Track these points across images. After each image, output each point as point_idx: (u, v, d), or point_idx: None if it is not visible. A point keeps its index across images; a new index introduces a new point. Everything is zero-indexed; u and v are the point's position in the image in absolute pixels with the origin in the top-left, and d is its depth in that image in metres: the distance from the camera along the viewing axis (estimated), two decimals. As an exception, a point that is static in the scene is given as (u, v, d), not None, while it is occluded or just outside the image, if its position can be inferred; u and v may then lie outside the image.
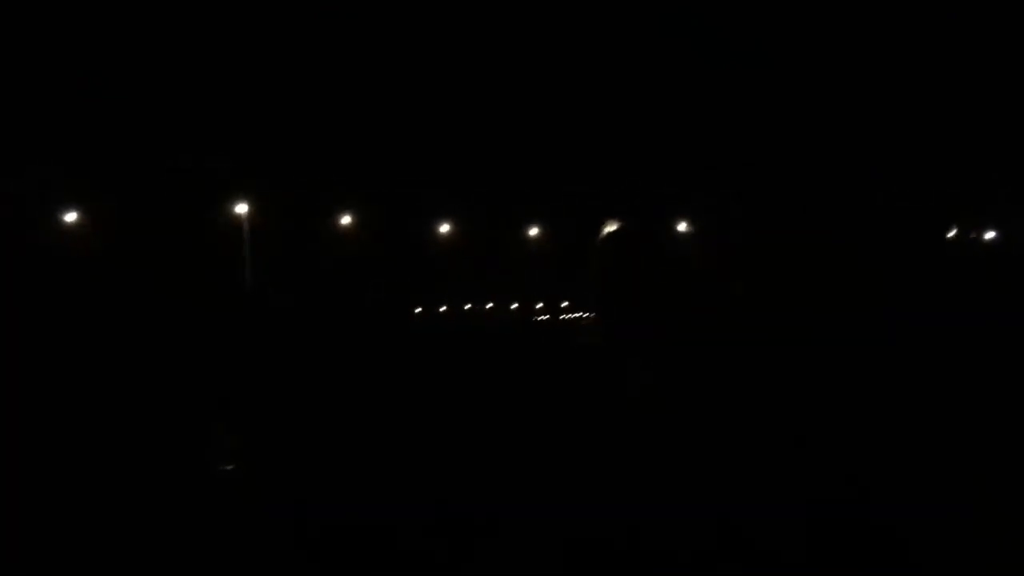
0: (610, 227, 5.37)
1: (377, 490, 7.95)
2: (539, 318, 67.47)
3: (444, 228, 50.06)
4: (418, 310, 60.84)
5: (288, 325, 35.27)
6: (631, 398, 5.67)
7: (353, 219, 46.42)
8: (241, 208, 39.06)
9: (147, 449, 10.23)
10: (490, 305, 70.77)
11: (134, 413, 13.30)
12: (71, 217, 39.50)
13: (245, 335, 30.74)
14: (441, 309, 66.11)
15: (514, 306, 71.99)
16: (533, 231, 54.10)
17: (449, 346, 30.13)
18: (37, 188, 38.12)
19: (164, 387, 16.78)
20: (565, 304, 72.63)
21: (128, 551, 6.28)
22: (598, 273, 5.61)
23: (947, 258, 47.00)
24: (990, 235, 51.77)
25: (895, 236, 41.73)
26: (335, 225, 46.28)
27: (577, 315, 61.11)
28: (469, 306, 69.49)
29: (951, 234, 51.63)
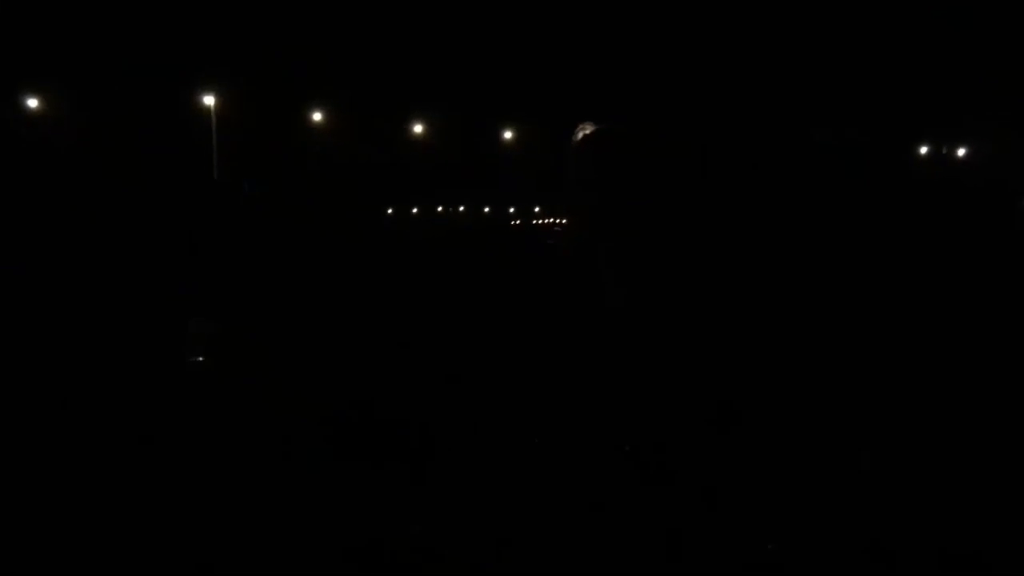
0: (586, 128, 5.11)
1: (348, 386, 7.84)
2: (512, 223, 67.27)
3: (417, 128, 49.37)
4: (389, 211, 60.46)
5: (260, 218, 34.81)
6: (608, 309, 5.27)
7: (325, 116, 45.60)
8: (208, 99, 38.27)
9: (114, 342, 10.04)
10: (462, 208, 70.48)
11: (100, 308, 13.06)
12: (32, 104, 38.56)
13: (216, 226, 30.29)
14: (413, 211, 65.77)
15: (486, 210, 71.74)
16: (507, 135, 53.50)
17: (422, 246, 29.99)
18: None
19: (133, 280, 16.50)
20: (537, 210, 72.43)
21: (89, 441, 6.16)
22: (571, 179, 5.29)
23: (917, 180, 45.82)
24: (962, 151, 51.01)
25: (858, 157, 39.99)
26: (305, 120, 45.51)
27: (549, 220, 60.92)
28: (440, 209, 69.17)
29: (923, 151, 50.74)
